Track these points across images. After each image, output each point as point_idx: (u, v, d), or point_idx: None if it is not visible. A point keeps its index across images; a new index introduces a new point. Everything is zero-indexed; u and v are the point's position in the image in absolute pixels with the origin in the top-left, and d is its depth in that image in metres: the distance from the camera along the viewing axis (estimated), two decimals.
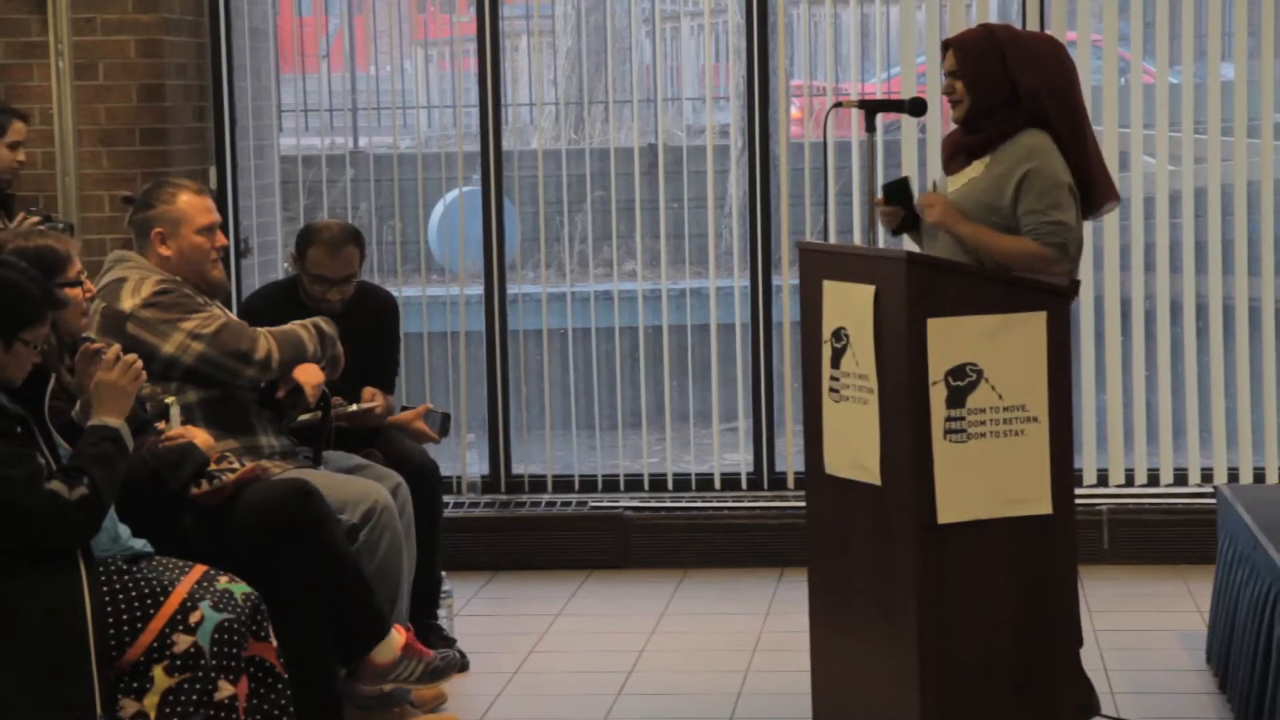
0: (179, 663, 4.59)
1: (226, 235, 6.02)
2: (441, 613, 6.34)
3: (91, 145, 7.50)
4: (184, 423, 5.31)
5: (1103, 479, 7.68)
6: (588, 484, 7.93)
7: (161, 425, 5.17)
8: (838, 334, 4.99)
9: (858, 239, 7.63)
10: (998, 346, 4.79)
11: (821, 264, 5.12)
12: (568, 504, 7.82)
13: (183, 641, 4.59)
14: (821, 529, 5.20)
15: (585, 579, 7.50)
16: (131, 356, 4.69)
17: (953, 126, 5.33)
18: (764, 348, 7.78)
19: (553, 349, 8.00)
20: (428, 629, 6.12)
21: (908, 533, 4.79)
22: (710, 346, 7.91)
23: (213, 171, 7.78)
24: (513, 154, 7.90)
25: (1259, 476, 7.58)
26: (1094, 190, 5.21)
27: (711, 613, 6.96)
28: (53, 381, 4.67)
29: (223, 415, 5.50)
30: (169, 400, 5.29)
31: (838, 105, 5.49)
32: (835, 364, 5.01)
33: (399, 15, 8.41)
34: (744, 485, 7.87)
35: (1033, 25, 7.47)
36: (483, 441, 8.02)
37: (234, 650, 4.65)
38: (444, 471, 7.96)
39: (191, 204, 5.58)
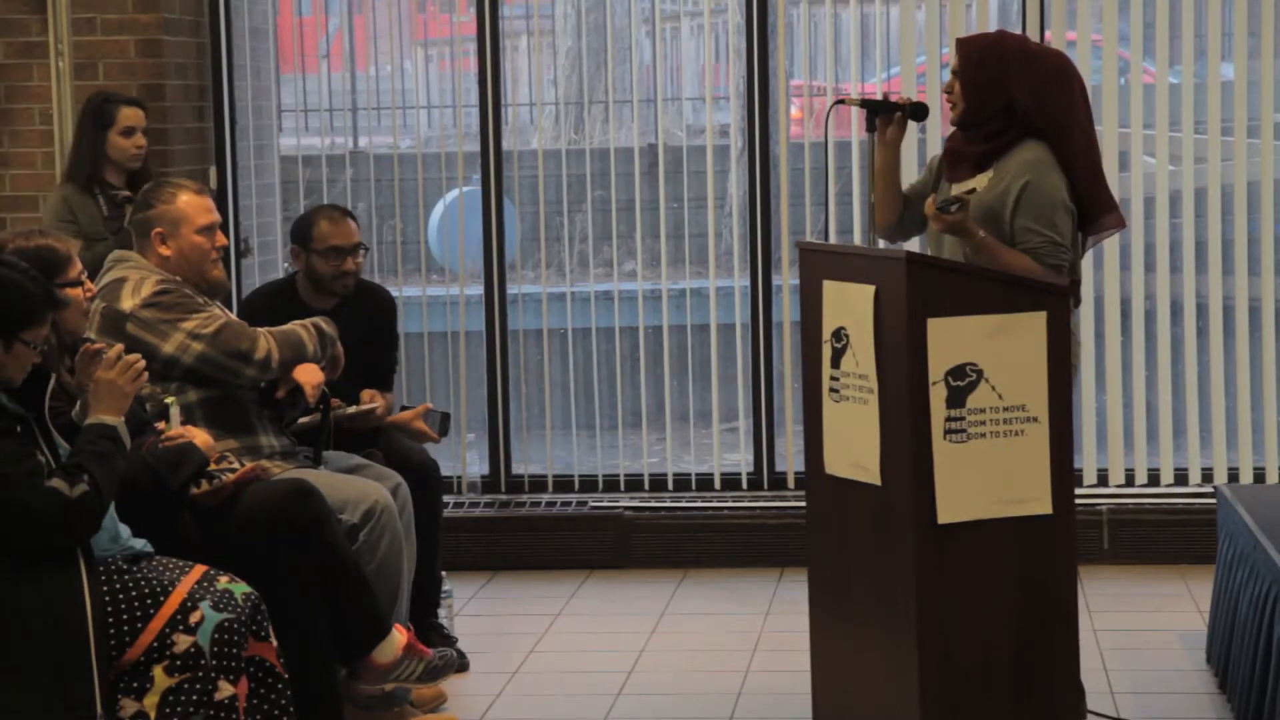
0: (179, 663, 4.59)
1: (226, 235, 6.02)
2: (441, 613, 6.34)
3: None
4: (184, 422, 5.31)
5: (1103, 479, 7.68)
6: (588, 484, 7.93)
7: (161, 425, 5.17)
8: (838, 334, 4.99)
9: (858, 239, 7.64)
10: (998, 346, 4.79)
11: (821, 264, 5.13)
12: (568, 504, 7.82)
13: (183, 641, 4.59)
14: (821, 529, 5.20)
15: (585, 579, 7.50)
16: (134, 356, 4.69)
17: (952, 128, 5.34)
18: (764, 348, 7.78)
19: (553, 349, 8.00)
20: (428, 628, 6.12)
21: (908, 533, 4.79)
22: (710, 346, 7.91)
23: (213, 171, 7.78)
24: (513, 154, 7.90)
25: (1259, 476, 7.58)
26: (1092, 208, 5.21)
27: (711, 613, 6.96)
28: (53, 381, 4.67)
29: (223, 415, 5.50)
30: (169, 400, 5.29)
31: (840, 102, 5.49)
32: (835, 364, 5.01)
33: (399, 15, 8.41)
34: (744, 485, 7.87)
35: (1033, 25, 7.48)
36: (483, 441, 8.02)
37: (234, 650, 4.65)
38: (444, 471, 7.98)
39: (191, 204, 5.58)
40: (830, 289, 5.03)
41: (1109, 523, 7.50)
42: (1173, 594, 7.02)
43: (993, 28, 8.02)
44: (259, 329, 5.56)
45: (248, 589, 4.78)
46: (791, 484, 7.79)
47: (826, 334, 5.04)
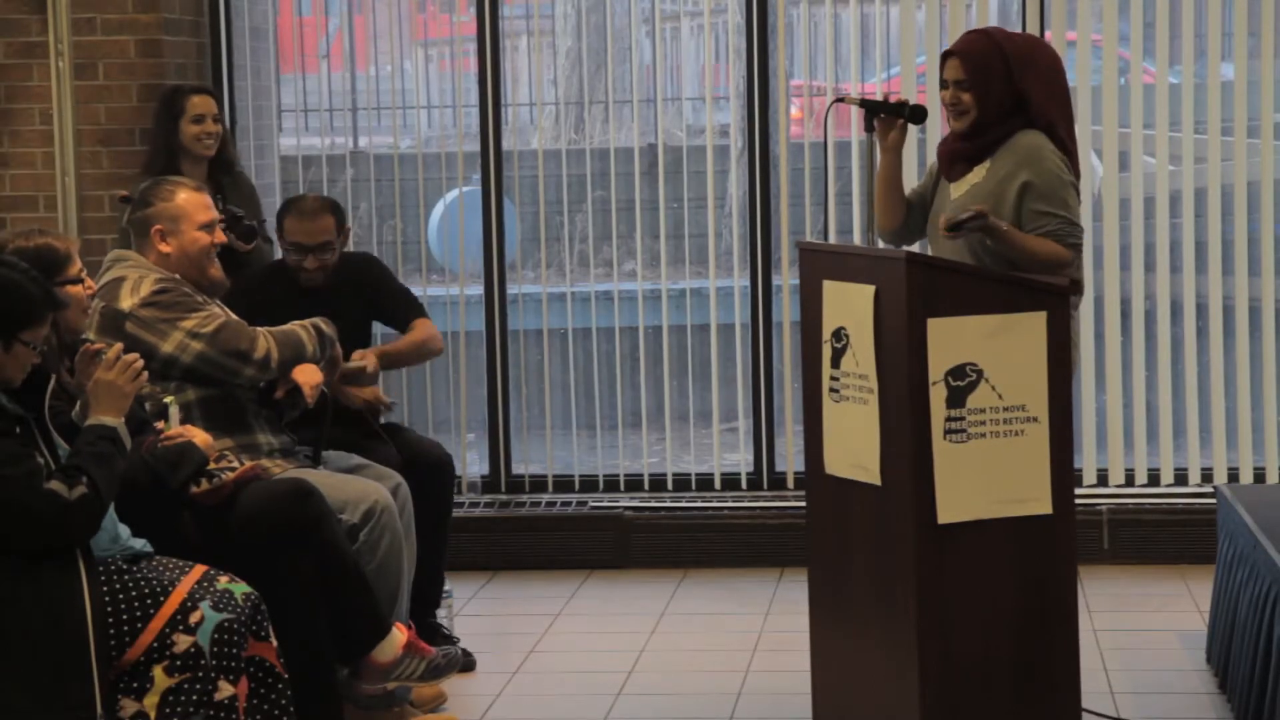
0: (179, 663, 4.59)
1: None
2: (441, 613, 6.34)
3: (91, 145, 7.50)
4: (182, 422, 5.31)
5: (1103, 479, 7.68)
6: (588, 484, 7.92)
7: (160, 425, 5.17)
8: (838, 334, 4.99)
9: (858, 239, 7.64)
10: (998, 346, 4.79)
11: (821, 264, 5.13)
12: (568, 504, 7.82)
13: (183, 641, 4.59)
14: (821, 529, 5.20)
15: (585, 579, 7.50)
16: (133, 356, 4.68)
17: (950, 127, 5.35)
18: (764, 348, 7.78)
19: (553, 349, 8.00)
20: (432, 628, 6.12)
21: (908, 533, 4.79)
22: (710, 346, 7.91)
23: None
24: (513, 154, 7.90)
25: (1259, 476, 7.58)
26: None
27: (711, 613, 6.96)
28: (53, 382, 4.67)
29: (221, 414, 5.50)
30: (167, 400, 5.29)
31: (839, 101, 5.50)
32: (835, 364, 5.01)
33: (399, 15, 8.40)
34: (744, 485, 7.87)
35: (1033, 25, 7.48)
36: (483, 441, 8.02)
37: (234, 650, 4.65)
38: None
39: (191, 200, 5.58)
40: (830, 289, 5.03)
41: (1109, 523, 7.50)
42: (1173, 594, 7.02)
43: (984, 28, 8.03)
44: (258, 329, 5.56)
45: (248, 589, 4.78)
46: (791, 484, 7.79)
47: (826, 334, 5.04)
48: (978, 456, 4.78)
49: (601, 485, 7.92)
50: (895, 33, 7.79)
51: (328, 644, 5.20)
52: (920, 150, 7.59)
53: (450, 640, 6.17)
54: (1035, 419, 4.82)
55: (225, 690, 4.63)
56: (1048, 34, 7.50)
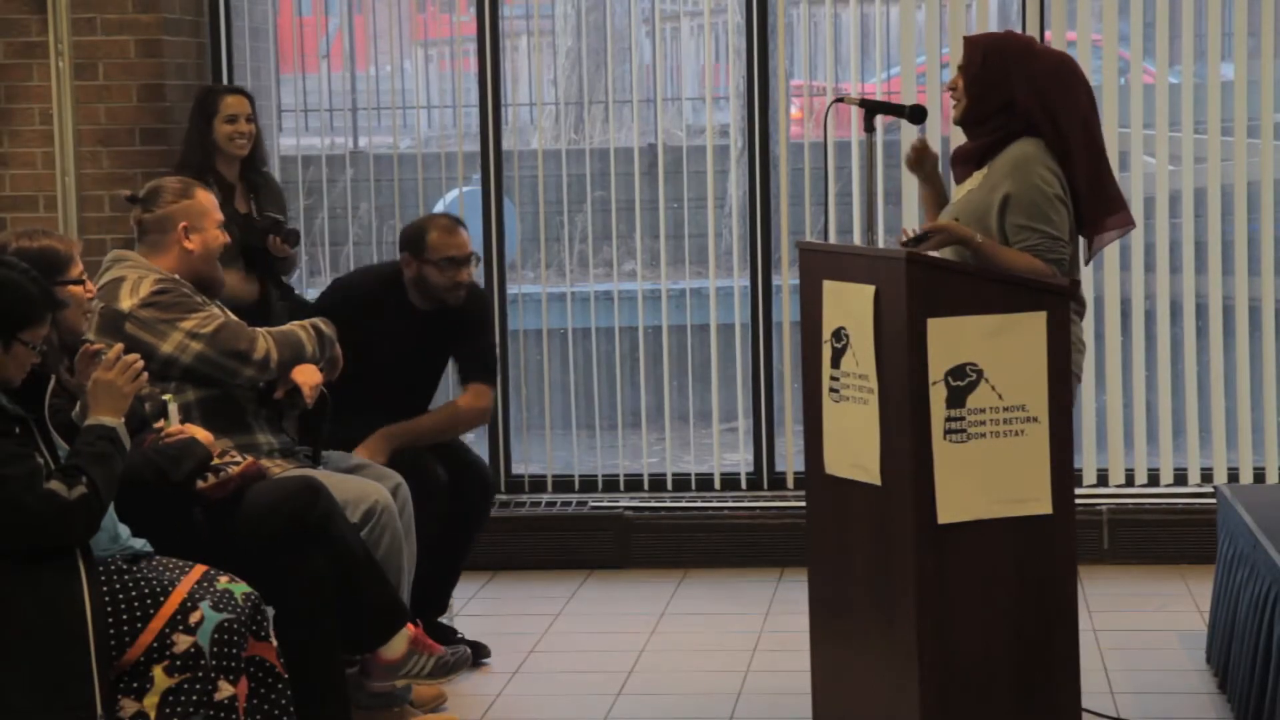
0: (179, 663, 4.59)
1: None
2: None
3: (91, 145, 7.50)
4: (182, 421, 5.31)
5: (1103, 479, 7.68)
6: (588, 484, 7.93)
7: (160, 424, 5.17)
8: (838, 334, 4.99)
9: (858, 239, 7.64)
10: (998, 346, 4.79)
11: (821, 264, 5.13)
12: (568, 504, 7.82)
13: (183, 641, 4.59)
14: (821, 529, 5.20)
15: (585, 579, 7.50)
16: (133, 357, 4.68)
17: (951, 128, 5.34)
18: (764, 348, 7.78)
19: (553, 349, 8.00)
20: (443, 630, 6.15)
21: (908, 533, 4.79)
22: (710, 346, 7.91)
23: None
24: (513, 154, 7.90)
25: (1259, 476, 7.58)
26: (1092, 208, 5.20)
27: (711, 613, 6.96)
28: (53, 382, 4.67)
29: (221, 415, 5.50)
30: (166, 398, 5.29)
31: (839, 100, 5.49)
32: (835, 364, 5.01)
33: (399, 15, 8.40)
34: (744, 485, 7.87)
35: (1033, 25, 7.48)
36: (483, 441, 8.02)
37: (234, 650, 4.65)
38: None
39: (208, 198, 5.63)
40: (830, 289, 5.03)
41: (1109, 523, 7.50)
42: (1173, 594, 7.02)
43: (993, 27, 8.03)
44: (257, 329, 5.56)
45: (247, 589, 4.78)
46: (791, 484, 7.79)
47: (826, 334, 5.04)
48: (978, 456, 4.78)
49: (601, 485, 7.92)
50: (895, 33, 7.79)
51: (335, 642, 5.20)
52: None
53: (461, 642, 6.19)
54: (1035, 419, 4.82)
55: (225, 690, 4.63)
56: (1048, 34, 7.50)
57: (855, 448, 4.96)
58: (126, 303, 5.44)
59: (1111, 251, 7.58)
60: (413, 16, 8.41)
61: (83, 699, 4.41)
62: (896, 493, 4.83)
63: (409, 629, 5.34)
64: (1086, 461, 7.64)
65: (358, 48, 8.58)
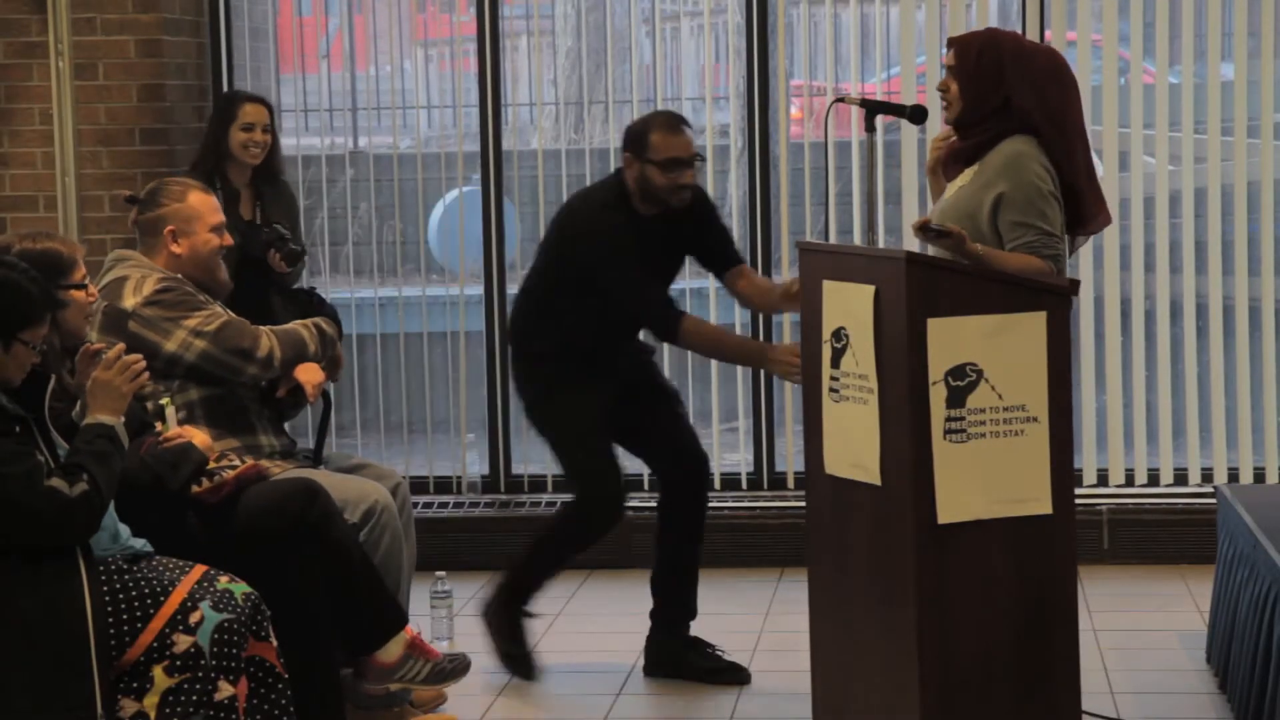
0: (179, 663, 4.59)
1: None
2: (441, 613, 6.34)
3: (91, 145, 7.51)
4: (183, 422, 5.31)
5: (1103, 479, 7.68)
6: None
7: (159, 426, 5.17)
8: (838, 334, 4.99)
9: (858, 239, 7.63)
10: (998, 346, 4.78)
11: (821, 264, 5.13)
12: None
13: (183, 641, 4.59)
14: (821, 529, 5.20)
15: (585, 579, 7.50)
16: (134, 356, 4.69)
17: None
18: None
19: None
20: (690, 646, 6.23)
21: (908, 533, 4.79)
22: None
23: None
24: (513, 154, 7.91)
25: (1259, 476, 7.58)
26: (1084, 207, 5.20)
27: (711, 613, 6.95)
28: (53, 382, 4.67)
29: (223, 414, 5.50)
30: (164, 401, 5.29)
31: (839, 100, 5.49)
32: (835, 364, 5.01)
33: (399, 15, 8.41)
34: (744, 485, 7.87)
35: (1032, 25, 7.48)
36: (483, 441, 8.02)
37: (234, 650, 4.65)
38: (444, 472, 7.98)
39: (203, 202, 5.59)
40: (830, 289, 5.02)
41: (1109, 523, 7.50)
42: (1173, 594, 7.02)
43: (993, 27, 8.03)
44: (260, 328, 5.57)
45: (248, 589, 4.78)
46: (791, 484, 7.79)
47: (826, 334, 5.04)
48: (978, 456, 4.78)
49: None
50: (895, 33, 7.79)
51: (332, 643, 5.20)
52: (920, 150, 7.59)
53: (717, 655, 6.20)
54: (1035, 419, 4.82)
55: (225, 690, 4.63)
56: (1048, 34, 7.51)
57: (855, 448, 4.96)
58: (130, 301, 5.44)
59: (1111, 251, 7.58)
60: (413, 16, 8.41)
61: (83, 699, 4.42)
62: (896, 493, 4.83)
63: (406, 633, 5.34)
64: (1086, 461, 7.65)
65: (358, 48, 8.58)
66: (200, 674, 4.60)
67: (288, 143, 8.21)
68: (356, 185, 8.23)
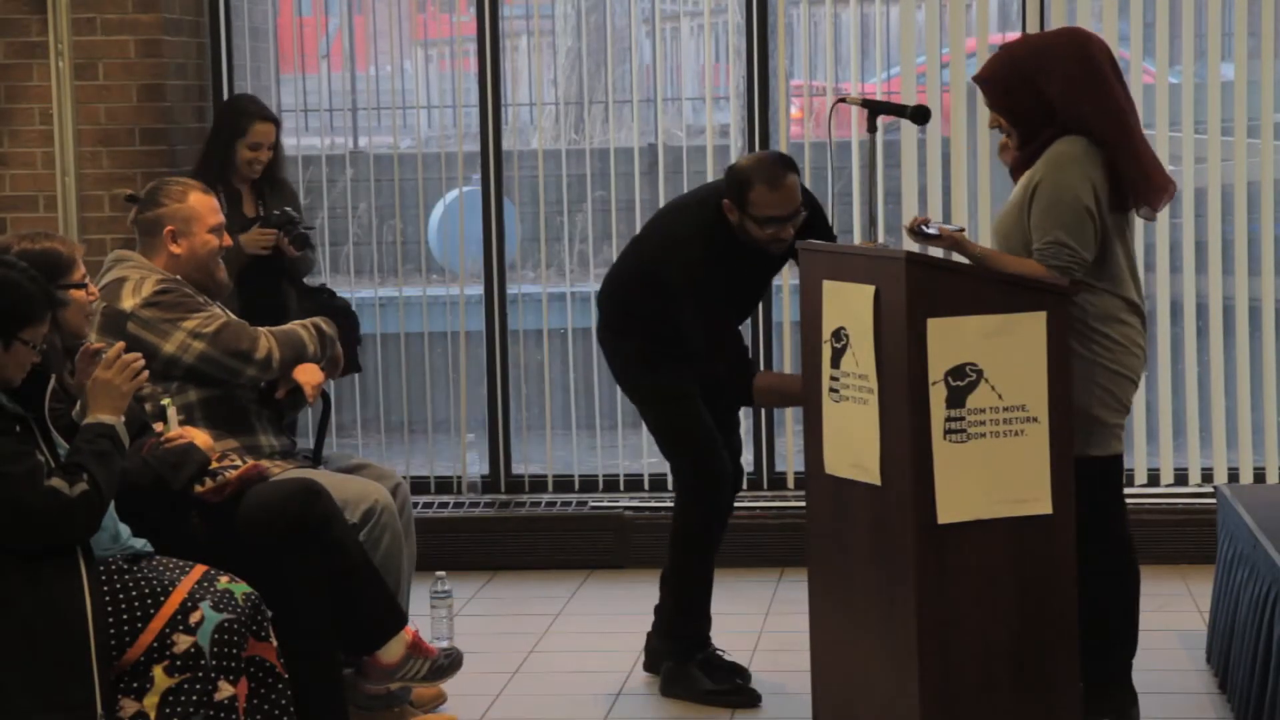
0: (179, 663, 4.59)
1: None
2: (441, 613, 6.34)
3: (91, 145, 7.51)
4: (182, 423, 5.31)
5: None
6: (588, 484, 7.92)
7: (159, 427, 5.17)
8: (838, 334, 4.99)
9: (858, 239, 7.63)
10: (998, 346, 4.79)
11: (821, 264, 5.13)
12: (568, 504, 7.82)
13: (183, 641, 4.59)
14: (821, 529, 5.20)
15: (585, 579, 7.50)
16: (133, 356, 4.68)
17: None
18: (763, 348, 7.78)
19: (553, 349, 8.00)
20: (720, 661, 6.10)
21: (908, 533, 4.79)
22: None
23: None
24: (513, 154, 7.91)
25: (1259, 476, 7.58)
26: (1139, 188, 5.10)
27: (712, 613, 6.95)
28: (53, 382, 4.67)
29: (222, 415, 5.50)
30: (165, 402, 5.29)
31: (841, 101, 5.48)
32: (835, 364, 5.01)
33: (399, 15, 8.40)
34: (744, 485, 7.85)
35: (1033, 25, 7.47)
36: (483, 441, 8.02)
37: (234, 650, 4.65)
38: (444, 472, 7.99)
39: (202, 202, 5.59)
40: (830, 289, 5.03)
41: None
42: (1173, 594, 7.01)
43: (993, 28, 8.04)
44: (259, 329, 5.57)
45: (248, 589, 4.78)
46: (791, 484, 7.79)
47: (826, 334, 5.04)
48: (978, 456, 4.78)
49: (601, 485, 7.92)
50: (895, 33, 7.79)
51: (333, 643, 5.20)
52: (920, 150, 7.58)
53: (735, 668, 6.06)
54: (1035, 419, 4.82)
55: (225, 690, 4.63)
56: None
57: (855, 448, 4.96)
58: (129, 302, 5.44)
59: None
60: (413, 16, 8.41)
61: (83, 699, 4.42)
62: (896, 493, 4.83)
63: (406, 633, 5.34)
64: None
65: (358, 48, 8.58)
66: (200, 674, 4.60)
67: (288, 142, 8.21)
68: (356, 185, 8.23)
